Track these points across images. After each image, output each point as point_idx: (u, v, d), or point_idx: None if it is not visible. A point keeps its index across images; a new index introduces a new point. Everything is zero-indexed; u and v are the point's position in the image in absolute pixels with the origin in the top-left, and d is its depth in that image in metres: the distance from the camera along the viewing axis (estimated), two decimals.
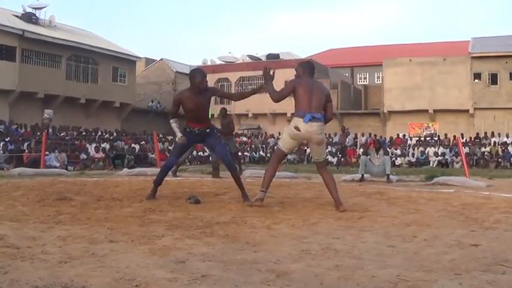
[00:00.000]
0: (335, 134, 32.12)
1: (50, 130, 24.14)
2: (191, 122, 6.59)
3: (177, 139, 6.69)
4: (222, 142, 7.41)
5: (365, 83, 43.75)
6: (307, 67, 6.30)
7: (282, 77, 33.10)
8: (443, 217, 5.41)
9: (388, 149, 15.97)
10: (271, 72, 6.24)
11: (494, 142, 27.05)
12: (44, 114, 25.84)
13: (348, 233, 4.30)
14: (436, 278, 2.76)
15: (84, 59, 31.35)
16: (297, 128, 5.95)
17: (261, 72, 6.88)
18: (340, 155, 21.84)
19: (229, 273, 2.84)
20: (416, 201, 6.89)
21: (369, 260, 3.25)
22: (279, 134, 27.68)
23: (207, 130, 6.65)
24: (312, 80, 6.21)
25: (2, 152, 19.41)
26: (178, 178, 10.89)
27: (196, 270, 2.86)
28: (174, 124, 6.64)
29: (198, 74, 6.38)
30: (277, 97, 6.09)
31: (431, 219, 5.19)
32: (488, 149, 26.46)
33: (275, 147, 6.87)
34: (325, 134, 27.09)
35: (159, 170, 7.60)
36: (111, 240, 3.79)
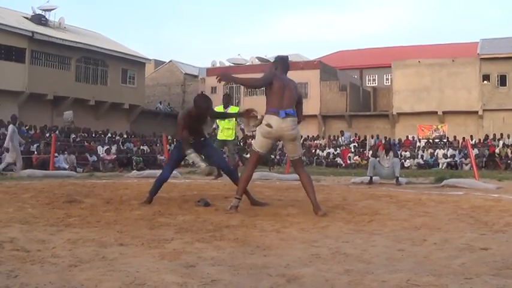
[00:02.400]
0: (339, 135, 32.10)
1: (73, 135, 24.12)
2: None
3: (200, 170, 6.55)
4: (217, 149, 7.58)
5: (374, 84, 43.59)
6: (283, 62, 6.10)
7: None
8: (453, 220, 5.38)
9: (398, 152, 15.90)
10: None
11: (504, 144, 26.91)
12: (64, 117, 25.80)
13: (357, 237, 4.29)
14: (446, 283, 2.74)
15: (94, 60, 31.47)
16: (268, 125, 5.76)
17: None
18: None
19: (239, 278, 2.84)
20: (426, 204, 6.86)
21: (379, 264, 3.24)
22: None
23: (201, 139, 6.72)
24: (286, 76, 6.03)
25: None
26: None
27: (206, 275, 2.86)
28: (193, 155, 6.42)
29: (208, 102, 6.40)
30: (261, 83, 6.04)
31: (441, 222, 5.17)
32: (497, 150, 26.33)
33: (250, 150, 6.50)
34: (331, 135, 26.79)
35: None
36: (121, 243, 3.80)
